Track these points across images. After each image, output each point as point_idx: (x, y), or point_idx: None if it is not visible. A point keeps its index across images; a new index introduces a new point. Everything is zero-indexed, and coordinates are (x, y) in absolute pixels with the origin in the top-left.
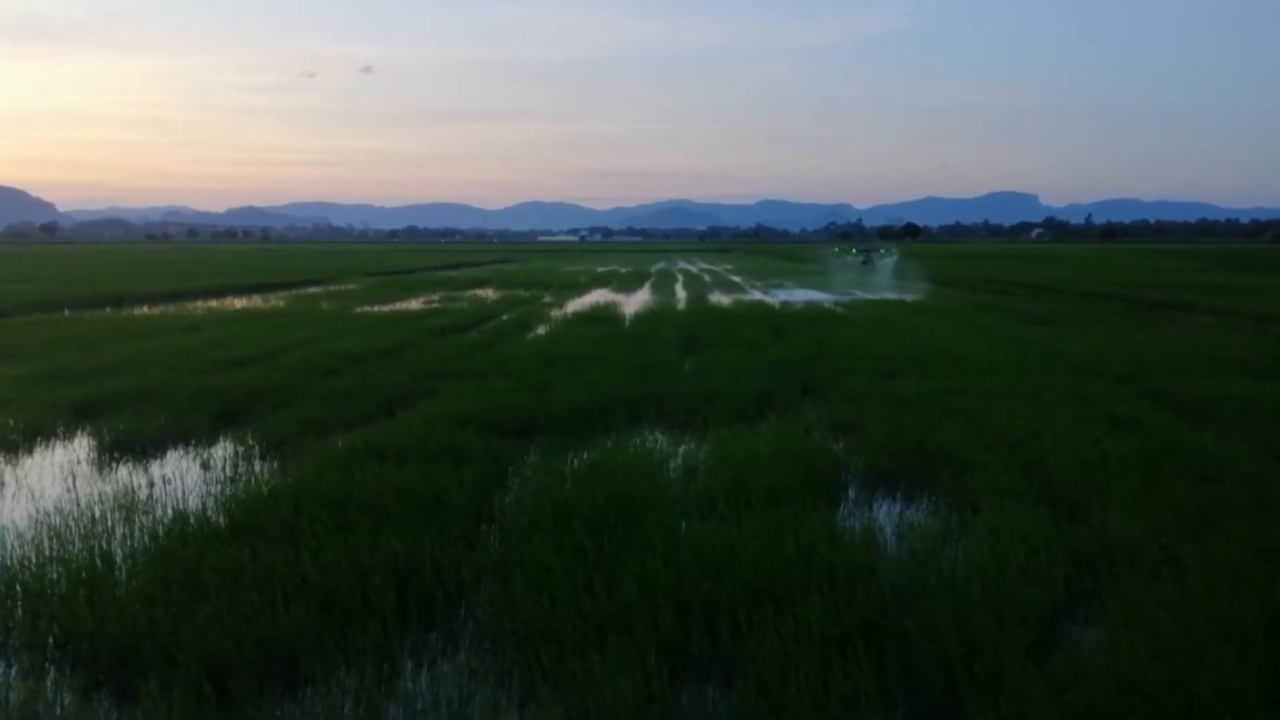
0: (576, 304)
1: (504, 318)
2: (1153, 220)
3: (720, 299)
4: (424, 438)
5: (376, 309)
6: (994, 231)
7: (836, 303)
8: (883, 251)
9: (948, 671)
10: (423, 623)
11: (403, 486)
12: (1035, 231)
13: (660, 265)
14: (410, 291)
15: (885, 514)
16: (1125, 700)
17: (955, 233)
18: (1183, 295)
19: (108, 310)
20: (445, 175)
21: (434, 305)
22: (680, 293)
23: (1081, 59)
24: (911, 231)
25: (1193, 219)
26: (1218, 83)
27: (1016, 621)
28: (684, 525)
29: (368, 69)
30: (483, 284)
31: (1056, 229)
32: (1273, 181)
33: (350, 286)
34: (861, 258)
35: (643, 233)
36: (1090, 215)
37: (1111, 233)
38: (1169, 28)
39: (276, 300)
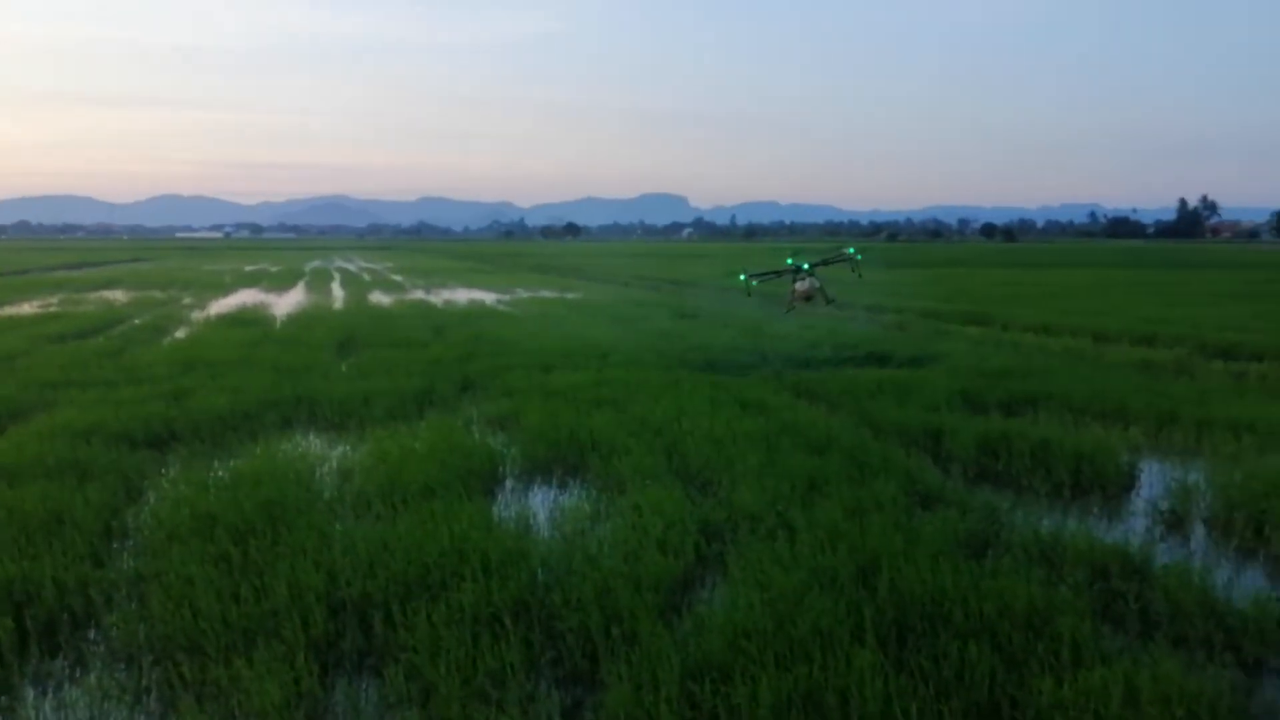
0: (220, 305)
1: (136, 321)
2: (788, 221)
3: (381, 299)
4: (40, 454)
5: None
6: (649, 230)
7: (499, 301)
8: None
9: (588, 638)
10: (46, 648)
11: (16, 507)
12: (686, 231)
13: (315, 264)
14: (22, 294)
15: (540, 500)
16: (738, 645)
17: (613, 232)
18: None
19: None
20: (65, 165)
21: (52, 309)
22: (338, 292)
23: (720, 68)
24: (572, 230)
25: (821, 220)
26: (835, 96)
27: (652, 587)
28: (338, 526)
29: None
30: (111, 285)
31: (705, 228)
32: (887, 189)
33: None
34: (805, 281)
35: (295, 229)
36: (734, 216)
37: (753, 232)
38: (792, 38)
39: None
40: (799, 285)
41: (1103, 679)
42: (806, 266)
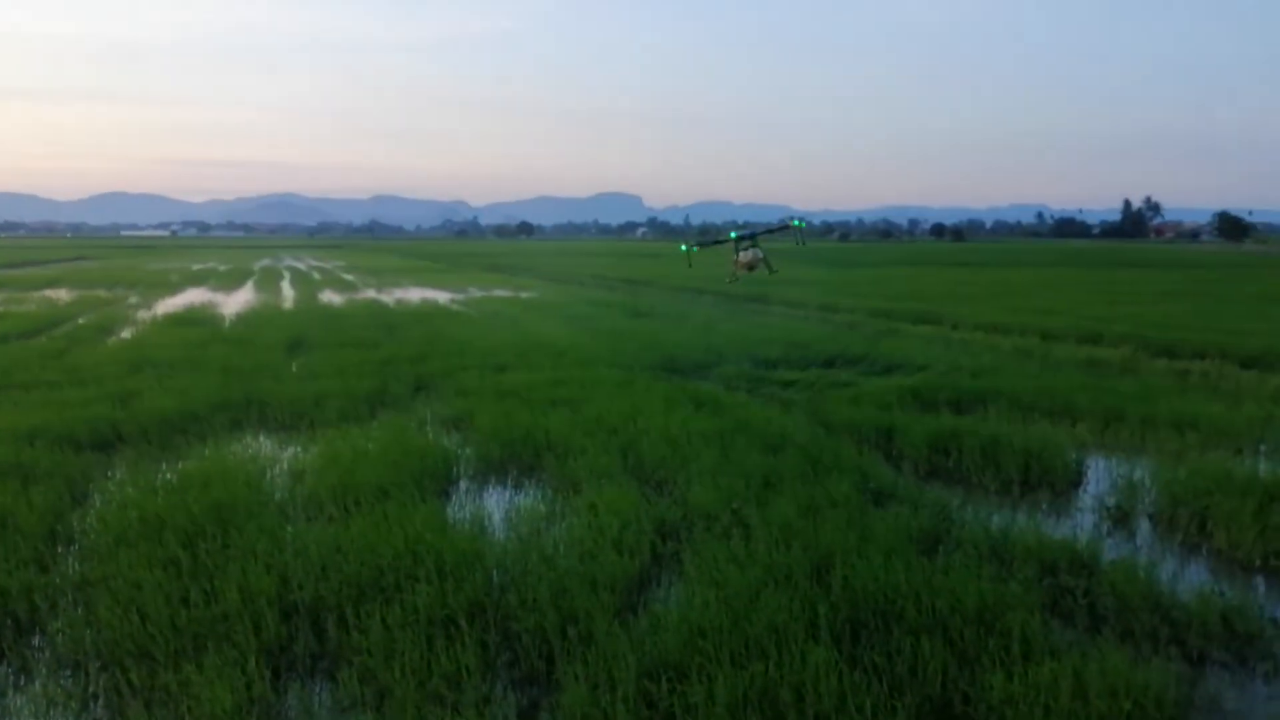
0: (168, 305)
1: (80, 321)
2: (741, 221)
3: (331, 298)
4: None
5: None
6: (603, 230)
7: (453, 300)
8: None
9: (544, 639)
10: None
11: None
12: (640, 230)
13: (265, 263)
14: None
15: (495, 501)
16: (694, 644)
17: (567, 231)
18: (761, 288)
19: None
20: (5, 163)
21: None
22: (288, 291)
23: (676, 69)
24: (526, 229)
25: (774, 220)
26: (789, 98)
27: (608, 587)
28: (289, 528)
29: None
30: (54, 284)
31: (659, 228)
32: (840, 189)
33: None
34: (749, 252)
35: (245, 227)
36: (688, 216)
37: (706, 232)
38: (747, 40)
39: None
40: (742, 255)
41: (1052, 673)
42: (751, 236)
